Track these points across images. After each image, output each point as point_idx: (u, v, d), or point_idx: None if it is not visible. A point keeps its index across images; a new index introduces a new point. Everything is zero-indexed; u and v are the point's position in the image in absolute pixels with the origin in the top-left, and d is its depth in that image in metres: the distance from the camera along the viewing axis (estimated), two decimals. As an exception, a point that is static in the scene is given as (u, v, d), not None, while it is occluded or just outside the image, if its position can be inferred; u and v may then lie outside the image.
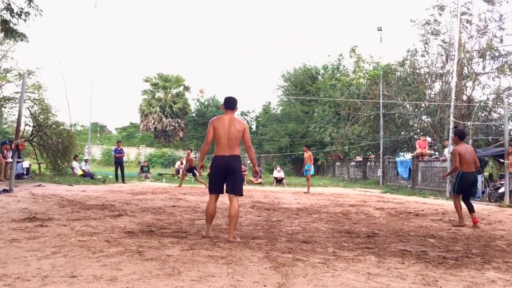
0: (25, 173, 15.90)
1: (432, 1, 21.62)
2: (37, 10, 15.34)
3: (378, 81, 24.89)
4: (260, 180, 22.68)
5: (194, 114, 42.30)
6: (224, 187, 5.62)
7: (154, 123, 40.76)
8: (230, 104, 5.71)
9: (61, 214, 7.36)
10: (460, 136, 8.30)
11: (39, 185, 13.11)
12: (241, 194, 5.57)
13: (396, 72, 24.54)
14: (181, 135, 41.85)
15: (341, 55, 29.65)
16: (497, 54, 20.26)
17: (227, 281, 3.53)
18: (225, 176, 5.52)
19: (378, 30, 28.07)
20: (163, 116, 40.84)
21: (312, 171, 17.19)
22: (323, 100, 29.53)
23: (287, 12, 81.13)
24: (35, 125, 18.36)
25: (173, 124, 41.15)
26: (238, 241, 5.38)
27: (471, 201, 8.16)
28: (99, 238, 5.25)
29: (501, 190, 13.51)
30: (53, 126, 18.63)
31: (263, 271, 3.91)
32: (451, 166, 9.23)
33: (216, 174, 5.58)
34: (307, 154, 17.11)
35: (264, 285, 3.46)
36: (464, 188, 8.06)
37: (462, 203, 8.10)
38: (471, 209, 7.98)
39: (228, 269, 3.93)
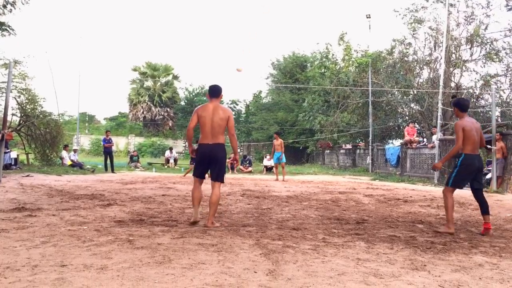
0: (13, 163, 15.76)
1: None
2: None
3: (366, 69, 24.96)
4: (250, 168, 22.73)
5: (183, 103, 42.17)
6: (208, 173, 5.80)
7: (143, 113, 40.58)
8: (214, 92, 5.81)
9: (50, 204, 7.32)
10: (460, 107, 6.01)
11: (27, 176, 13.01)
12: (222, 181, 5.70)
13: (385, 60, 24.61)
14: (170, 124, 41.71)
15: (329, 43, 29.68)
16: (484, 41, 20.38)
17: (217, 268, 3.55)
18: (209, 164, 5.67)
19: (367, 17, 28.10)
20: (152, 105, 40.66)
21: (284, 159, 16.79)
22: (312, 89, 29.57)
23: (267, 14, 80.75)
24: (22, 115, 18.14)
25: (162, 113, 41.00)
26: (216, 226, 5.52)
27: (485, 199, 5.94)
28: (89, 227, 5.24)
29: (488, 176, 13.68)
30: (41, 116, 18.44)
31: (254, 258, 3.93)
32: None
33: (199, 161, 5.73)
34: (278, 142, 16.55)
35: (255, 272, 3.49)
36: (465, 178, 5.88)
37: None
38: (485, 210, 5.81)
39: (219, 256, 3.95)
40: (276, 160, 16.83)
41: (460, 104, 6.04)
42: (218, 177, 5.65)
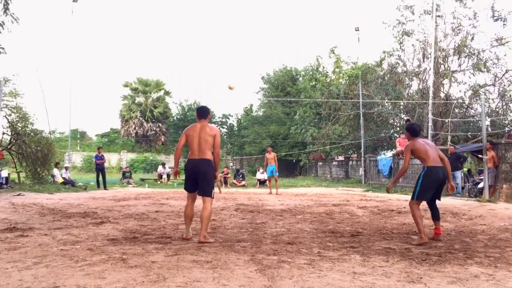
0: (4, 182, 15.60)
1: (403, 1, 21.89)
2: (14, 18, 15.16)
3: (357, 81, 25.14)
4: (243, 182, 22.69)
5: (175, 118, 42.15)
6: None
7: (135, 128, 40.42)
8: (202, 113, 6.06)
9: (42, 223, 7.24)
10: (411, 131, 6.21)
11: (18, 194, 12.88)
12: (210, 196, 5.74)
13: (375, 72, 24.81)
14: (162, 140, 41.59)
15: (319, 56, 29.87)
16: (471, 51, 20.63)
17: (213, 285, 3.52)
18: (195, 179, 5.79)
19: (356, 30, 28.37)
20: (144, 121, 40.54)
21: (277, 173, 16.77)
22: (303, 101, 29.69)
23: (267, 14, 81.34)
24: (13, 133, 18.03)
25: (154, 128, 40.87)
26: (210, 241, 5.51)
27: (437, 206, 6.23)
28: (81, 246, 5.18)
29: (480, 186, 13.75)
30: (32, 134, 18.33)
31: (249, 274, 3.90)
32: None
33: (187, 176, 5.94)
34: (271, 155, 16.56)
35: (251, 288, 3.46)
36: (429, 190, 5.94)
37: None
38: (436, 216, 6.12)
39: (214, 273, 3.91)
40: (269, 173, 16.80)
41: (411, 129, 6.27)
42: (204, 192, 5.73)
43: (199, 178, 5.73)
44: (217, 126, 41.04)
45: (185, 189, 5.98)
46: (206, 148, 5.76)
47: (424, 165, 5.98)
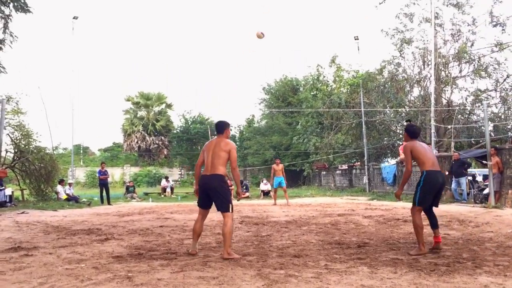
0: (8, 200, 15.58)
1: (402, 9, 21.99)
2: (12, 36, 15.28)
3: (358, 90, 25.17)
4: (247, 194, 22.62)
5: (178, 130, 42.26)
6: (213, 204, 5.81)
7: (137, 142, 40.47)
8: (219, 128, 5.96)
9: (47, 241, 7.20)
10: (411, 133, 6.01)
11: (22, 212, 12.86)
12: (227, 211, 5.59)
13: (375, 80, 24.86)
14: (165, 153, 41.63)
15: (319, 65, 29.93)
16: (472, 57, 20.65)
17: (220, 303, 3.48)
18: (208, 194, 5.72)
19: (355, 39, 28.46)
20: (146, 134, 40.61)
21: (284, 184, 16.71)
22: (305, 111, 29.72)
23: (266, 25, 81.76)
24: (16, 151, 18.07)
25: (156, 142, 40.91)
26: (235, 257, 5.39)
27: (438, 213, 6.20)
28: (86, 265, 5.14)
29: (485, 192, 13.68)
30: (35, 151, 18.36)
31: (256, 290, 3.86)
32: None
33: (199, 192, 5.84)
34: (279, 167, 16.58)
35: (258, 305, 3.42)
36: (430, 194, 5.75)
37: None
38: (435, 224, 5.89)
39: (221, 290, 3.87)
40: (276, 185, 16.74)
41: (410, 131, 6.05)
42: (220, 207, 5.63)
43: (211, 194, 5.66)
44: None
45: (198, 205, 5.92)
46: (218, 164, 5.64)
47: (423, 169, 5.76)
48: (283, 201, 16.44)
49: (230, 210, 5.62)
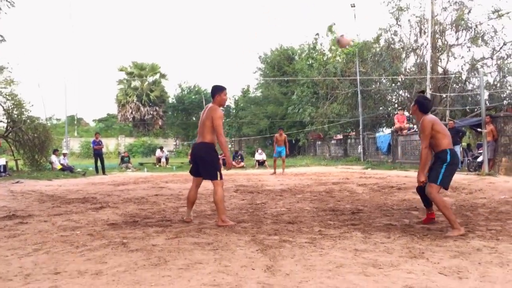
0: (2, 170, 15.54)
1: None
2: (9, 2, 14.94)
3: (354, 59, 24.95)
4: (242, 163, 22.67)
5: (173, 100, 42.06)
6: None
7: (132, 113, 40.28)
8: (211, 93, 5.84)
9: (41, 210, 7.21)
10: (422, 107, 5.26)
11: (17, 182, 12.84)
12: (215, 178, 5.53)
13: (371, 49, 24.61)
14: (160, 123, 41.51)
15: (317, 34, 29.58)
16: (469, 25, 20.42)
17: (214, 267, 3.50)
18: (196, 163, 5.75)
19: (352, 6, 28.07)
20: (140, 105, 40.38)
21: (284, 153, 16.89)
22: (301, 81, 29.52)
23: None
24: (9, 121, 17.91)
25: (151, 112, 40.73)
26: (229, 224, 5.41)
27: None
28: (81, 232, 5.15)
29: (479, 159, 13.76)
30: (28, 121, 18.21)
31: (251, 255, 3.88)
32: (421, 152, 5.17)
33: (191, 160, 5.98)
34: (282, 137, 16.74)
35: (252, 269, 3.44)
36: (452, 175, 5.07)
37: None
38: (429, 203, 5.35)
39: (215, 255, 3.89)
40: (277, 154, 16.89)
41: (423, 104, 5.29)
42: (206, 176, 5.64)
43: (199, 163, 5.65)
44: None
45: (190, 172, 5.93)
46: (204, 132, 5.57)
47: (444, 147, 5.01)
48: (280, 170, 16.54)
49: (219, 178, 5.55)
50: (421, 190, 5.34)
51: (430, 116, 5.18)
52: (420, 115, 5.24)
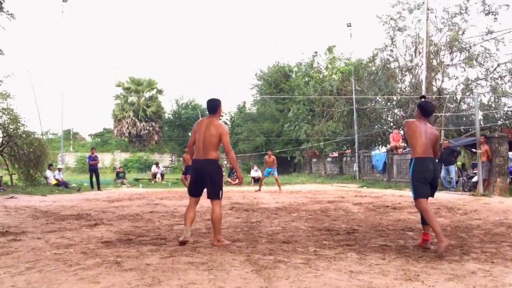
0: (-4, 185, 15.47)
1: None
2: (9, 15, 14.99)
3: (349, 77, 25.16)
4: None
5: (169, 116, 42.11)
6: (205, 190, 5.56)
7: (128, 128, 40.26)
8: (210, 107, 5.61)
9: (35, 226, 7.15)
10: (423, 110, 5.40)
11: (11, 197, 12.76)
12: (218, 198, 5.47)
13: (367, 68, 24.84)
14: (156, 139, 41.47)
15: (316, 52, 29.77)
16: (463, 46, 20.69)
17: (209, 287, 3.48)
18: (201, 181, 5.47)
19: (348, 26, 28.36)
20: (137, 120, 40.39)
21: (276, 173, 17.24)
22: (297, 98, 29.68)
23: (258, 11, 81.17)
24: (5, 135, 17.87)
25: (147, 128, 40.73)
26: (225, 244, 5.33)
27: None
28: (75, 250, 5.11)
29: (474, 179, 13.80)
30: (24, 135, 18.17)
31: (245, 275, 3.86)
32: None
33: (192, 177, 5.58)
34: (271, 159, 17.10)
35: (247, 290, 3.42)
36: (425, 183, 5.15)
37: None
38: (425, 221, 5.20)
39: (210, 275, 3.87)
40: (266, 174, 17.08)
41: (424, 107, 5.40)
42: (211, 195, 5.45)
43: (204, 180, 5.42)
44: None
45: (189, 193, 5.61)
46: (209, 148, 5.39)
47: (412, 156, 5.28)
48: (274, 187, 16.63)
49: (220, 197, 5.52)
50: None
51: (412, 121, 5.43)
52: (421, 119, 5.38)
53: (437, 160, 5.72)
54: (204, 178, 5.43)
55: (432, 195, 5.33)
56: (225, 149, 5.50)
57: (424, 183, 5.16)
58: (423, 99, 5.76)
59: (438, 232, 4.85)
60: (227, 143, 5.45)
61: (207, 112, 5.67)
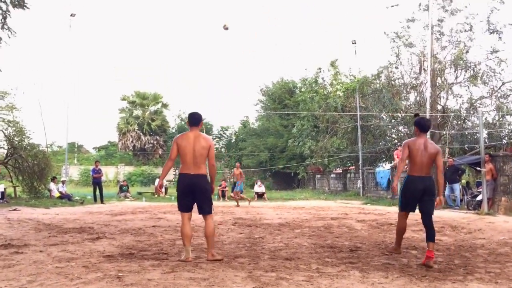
0: (0, 197, 15.49)
1: (404, 15, 22.04)
2: (10, 31, 15.16)
3: (354, 94, 25.22)
4: (241, 196, 22.55)
5: (174, 130, 42.20)
6: (195, 205, 5.57)
7: (132, 141, 40.33)
8: (195, 120, 5.64)
9: (38, 239, 7.15)
10: (420, 126, 5.74)
11: (14, 209, 12.78)
12: (210, 213, 5.51)
13: (372, 85, 24.89)
14: (160, 153, 41.51)
15: (320, 69, 29.84)
16: (468, 64, 20.73)
17: (210, 304, 3.46)
18: (193, 196, 5.46)
19: (353, 43, 28.52)
20: (141, 134, 40.49)
21: (239, 188, 17.60)
22: (301, 114, 29.73)
23: (263, 26, 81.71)
24: (9, 147, 17.96)
25: (151, 141, 40.79)
26: (218, 259, 5.30)
27: (433, 225, 5.57)
28: (77, 263, 5.10)
29: (478, 198, 13.71)
30: (28, 148, 18.26)
31: (247, 292, 3.84)
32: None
33: (182, 193, 5.52)
34: (237, 171, 17.34)
35: (248, 307, 3.40)
36: (410, 200, 5.63)
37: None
38: (430, 237, 5.42)
39: (211, 291, 3.85)
40: (236, 188, 17.70)
41: (421, 123, 5.79)
42: (204, 209, 5.47)
43: (196, 195, 5.43)
44: (214, 139, 41.25)
45: (179, 209, 5.55)
46: (201, 162, 5.42)
47: (407, 173, 5.73)
48: (278, 203, 16.60)
49: (212, 211, 5.57)
50: (423, 220, 5.62)
51: (411, 140, 5.80)
52: (419, 134, 5.76)
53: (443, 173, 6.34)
54: (196, 193, 5.44)
55: (431, 211, 5.61)
56: (211, 161, 5.56)
57: (410, 200, 5.68)
58: (417, 117, 5.98)
59: (397, 241, 5.96)
60: (213, 155, 5.56)
61: (189, 125, 5.65)
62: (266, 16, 77.44)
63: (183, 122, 41.66)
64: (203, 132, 5.84)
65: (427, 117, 17.37)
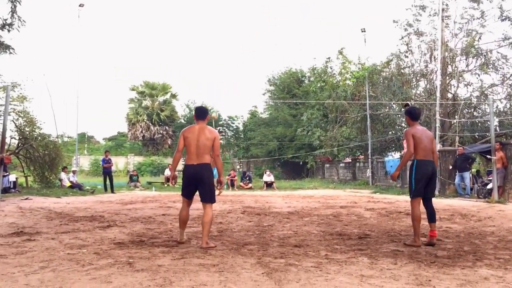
0: (12, 186, 15.66)
1: (413, 1, 21.77)
2: (20, 20, 15.27)
3: (363, 83, 25.07)
4: (250, 185, 22.64)
5: (183, 120, 42.29)
6: (196, 194, 5.76)
7: (142, 132, 40.51)
8: (200, 114, 5.84)
9: (49, 227, 7.25)
10: (412, 115, 6.05)
11: (26, 199, 12.93)
12: (212, 202, 5.63)
13: (381, 73, 24.72)
14: (169, 143, 41.67)
15: (329, 58, 29.67)
16: (479, 52, 20.48)
17: (219, 289, 3.49)
18: (196, 184, 5.64)
19: (362, 31, 28.34)
20: (150, 124, 40.64)
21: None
22: (310, 103, 29.64)
23: (272, 16, 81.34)
24: (20, 137, 18.11)
25: (161, 131, 40.95)
26: (211, 247, 5.38)
27: (434, 207, 5.96)
28: (88, 250, 5.17)
29: (489, 186, 13.64)
30: (39, 138, 18.40)
31: (256, 278, 3.87)
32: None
33: (186, 182, 5.71)
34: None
35: (257, 292, 3.43)
36: (421, 183, 5.79)
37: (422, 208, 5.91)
38: (432, 218, 5.79)
39: (220, 277, 3.89)
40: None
41: (411, 113, 6.08)
42: (205, 198, 5.60)
43: (198, 184, 5.60)
44: (222, 129, 41.25)
45: (182, 195, 5.81)
46: (204, 153, 5.57)
47: (415, 158, 5.87)
48: (287, 192, 16.55)
49: (213, 201, 5.67)
50: (425, 202, 5.90)
51: (412, 129, 5.94)
52: (412, 123, 6.03)
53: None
54: (199, 182, 5.59)
55: (433, 195, 6.07)
56: (216, 152, 5.68)
57: (422, 184, 5.79)
58: (407, 106, 6.18)
59: (416, 233, 5.69)
60: (218, 147, 5.69)
61: (196, 119, 5.81)
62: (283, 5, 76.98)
63: (192, 112, 41.79)
64: (212, 126, 5.95)
65: (437, 105, 17.28)
